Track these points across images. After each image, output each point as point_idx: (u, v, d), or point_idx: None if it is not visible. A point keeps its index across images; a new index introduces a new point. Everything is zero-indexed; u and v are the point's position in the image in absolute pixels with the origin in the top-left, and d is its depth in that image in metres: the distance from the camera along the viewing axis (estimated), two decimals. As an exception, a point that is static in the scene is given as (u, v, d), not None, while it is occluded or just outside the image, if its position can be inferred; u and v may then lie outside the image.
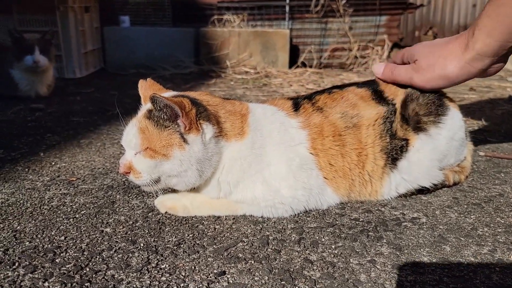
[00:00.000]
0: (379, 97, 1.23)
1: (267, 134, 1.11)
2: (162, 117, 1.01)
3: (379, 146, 1.17)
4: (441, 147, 1.22)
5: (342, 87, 1.28)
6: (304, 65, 4.04)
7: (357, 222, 1.11)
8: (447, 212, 1.17)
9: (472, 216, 1.14)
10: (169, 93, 1.12)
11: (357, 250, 0.98)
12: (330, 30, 4.17)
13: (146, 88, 1.14)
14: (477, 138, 1.75)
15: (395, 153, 1.19)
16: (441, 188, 1.30)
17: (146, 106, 1.09)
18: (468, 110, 2.37)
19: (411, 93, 1.22)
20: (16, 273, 0.87)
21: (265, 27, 4.11)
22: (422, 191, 1.26)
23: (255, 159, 1.09)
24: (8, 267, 0.89)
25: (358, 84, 1.28)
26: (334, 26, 4.16)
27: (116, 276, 0.87)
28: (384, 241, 1.02)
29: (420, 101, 1.21)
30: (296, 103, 1.21)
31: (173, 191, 1.15)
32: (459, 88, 3.08)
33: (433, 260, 0.94)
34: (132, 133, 1.03)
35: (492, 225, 1.10)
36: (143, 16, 4.10)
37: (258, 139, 1.09)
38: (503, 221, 1.11)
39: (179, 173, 1.03)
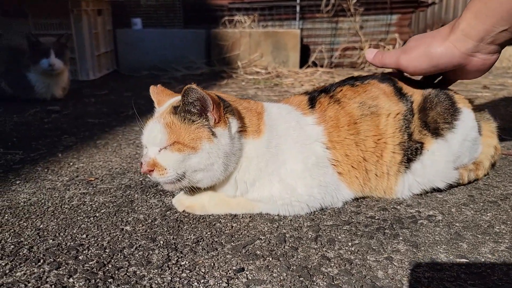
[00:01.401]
0: (400, 94, 1.23)
1: (282, 133, 1.12)
2: (191, 110, 1.02)
3: (398, 139, 1.18)
4: (454, 150, 1.23)
5: (363, 79, 1.28)
6: (315, 64, 4.05)
7: (373, 220, 1.12)
8: (463, 210, 1.17)
9: (488, 214, 1.14)
10: (175, 98, 1.13)
11: (373, 247, 0.99)
12: (341, 29, 4.17)
13: (157, 92, 1.17)
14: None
15: (410, 153, 1.19)
16: (456, 187, 1.31)
17: (162, 107, 1.11)
18: (482, 109, 2.36)
19: (429, 98, 1.23)
20: (41, 269, 0.89)
21: (275, 27, 4.13)
22: (438, 189, 1.27)
23: (271, 158, 1.10)
24: (33, 263, 0.91)
25: (378, 78, 1.28)
26: (345, 26, 4.16)
27: (138, 272, 0.89)
28: (401, 238, 1.03)
29: (438, 110, 1.22)
30: (312, 98, 1.22)
31: (191, 191, 1.17)
32: (472, 86, 3.06)
33: (450, 257, 0.94)
34: (157, 129, 1.04)
35: (509, 222, 1.10)
36: (155, 18, 4.15)
37: (274, 137, 1.11)
38: (519, 219, 1.11)
39: (206, 167, 1.04)
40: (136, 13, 4.09)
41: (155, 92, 1.17)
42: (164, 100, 1.14)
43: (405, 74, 1.29)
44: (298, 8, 4.12)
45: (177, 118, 1.03)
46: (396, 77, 1.28)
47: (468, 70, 1.16)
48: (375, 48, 1.32)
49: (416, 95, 1.23)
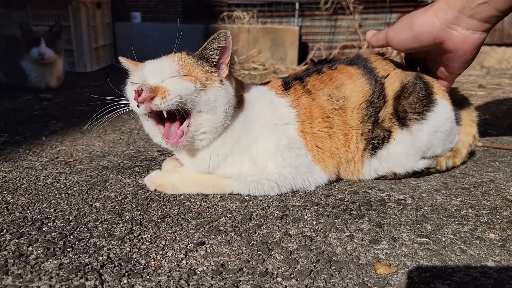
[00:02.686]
0: (370, 74, 1.23)
1: (257, 111, 1.14)
2: (209, 57, 1.07)
3: (360, 130, 1.19)
4: (423, 141, 1.23)
5: (331, 64, 1.28)
6: (313, 62, 4.05)
7: (342, 202, 1.12)
8: (434, 195, 1.17)
9: (458, 199, 1.14)
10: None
11: (337, 226, 0.99)
12: (340, 27, 4.17)
13: (129, 60, 1.23)
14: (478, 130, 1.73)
15: (376, 141, 1.20)
16: (434, 174, 1.30)
17: (151, 62, 1.12)
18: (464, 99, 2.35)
19: (406, 86, 1.22)
20: (2, 238, 0.90)
21: (274, 24, 4.13)
22: (415, 174, 1.27)
23: (243, 133, 1.11)
24: (-5, 232, 0.92)
25: (346, 61, 1.28)
26: (344, 24, 4.15)
27: (98, 243, 0.90)
28: (366, 219, 1.03)
29: (410, 100, 1.22)
30: (287, 82, 1.23)
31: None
32: (469, 85, 3.05)
33: (412, 237, 0.94)
34: (167, 62, 1.05)
35: (477, 207, 1.09)
36: (154, 12, 4.17)
37: (250, 113, 1.13)
38: (488, 204, 1.11)
39: (211, 108, 1.05)
40: (135, 7, 4.11)
41: (126, 61, 1.21)
42: (138, 64, 1.15)
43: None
44: (297, 5, 4.12)
45: (190, 59, 1.07)
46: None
47: (448, 48, 1.13)
48: (374, 30, 1.32)
49: (393, 80, 1.23)
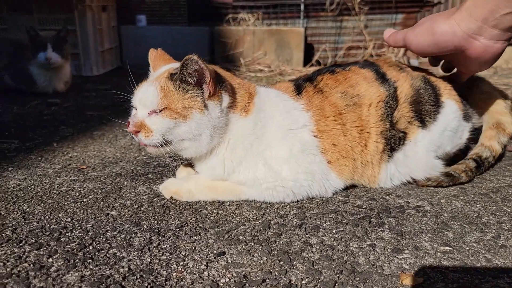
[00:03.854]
0: (382, 79, 1.23)
1: (269, 116, 1.12)
2: (187, 80, 1.03)
3: (380, 128, 1.18)
4: (435, 139, 1.23)
5: (345, 66, 1.28)
6: (318, 63, 4.04)
7: (360, 209, 1.11)
8: (452, 201, 1.16)
9: (478, 205, 1.13)
10: (172, 64, 1.14)
11: (357, 234, 0.98)
12: (345, 28, 4.15)
13: (155, 57, 1.18)
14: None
15: (393, 142, 1.19)
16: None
17: (158, 72, 1.11)
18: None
19: (419, 92, 1.22)
20: (22, 249, 0.89)
21: (280, 26, 4.12)
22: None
23: (256, 139, 1.10)
24: (15, 244, 0.91)
25: (360, 64, 1.28)
26: (350, 25, 4.14)
27: (118, 254, 0.89)
28: (386, 227, 1.02)
29: (425, 105, 1.21)
30: (298, 86, 1.22)
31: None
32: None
33: (434, 245, 0.93)
34: (150, 91, 1.04)
35: (498, 213, 1.08)
36: (159, 15, 4.16)
37: (261, 119, 1.11)
38: (509, 210, 1.10)
39: (194, 137, 1.05)
40: (140, 9, 4.11)
41: (153, 56, 1.18)
42: (160, 65, 1.15)
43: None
44: (302, 7, 4.11)
45: (172, 85, 1.04)
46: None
47: (469, 56, 1.11)
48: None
49: (402, 82, 1.22)
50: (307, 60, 3.94)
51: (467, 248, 0.91)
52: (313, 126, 1.14)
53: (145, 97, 1.05)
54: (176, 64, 1.14)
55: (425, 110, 1.21)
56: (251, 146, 1.10)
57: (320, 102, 1.17)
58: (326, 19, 4.15)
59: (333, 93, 1.18)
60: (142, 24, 3.98)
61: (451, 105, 1.25)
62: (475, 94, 1.40)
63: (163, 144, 1.06)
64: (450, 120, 1.24)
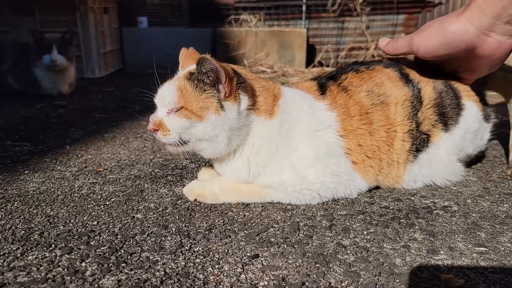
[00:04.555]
0: (406, 79, 1.22)
1: (295, 118, 1.11)
2: (204, 80, 1.02)
3: (407, 127, 1.17)
4: (457, 142, 1.23)
5: (368, 65, 1.27)
6: (321, 64, 4.04)
7: (387, 210, 1.10)
8: (478, 201, 1.15)
9: (505, 205, 1.13)
10: None
11: (389, 236, 0.97)
12: (347, 29, 4.16)
13: (186, 56, 1.17)
14: (503, 132, 1.72)
15: (418, 143, 1.18)
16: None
17: (183, 71, 1.11)
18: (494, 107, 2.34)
19: (442, 95, 1.21)
20: (53, 254, 0.88)
21: (281, 27, 4.12)
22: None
23: (282, 142, 1.09)
24: (45, 248, 0.90)
25: (384, 63, 1.27)
26: (351, 25, 4.14)
27: (151, 257, 0.87)
28: (417, 227, 1.01)
29: (447, 108, 1.21)
30: (322, 85, 1.21)
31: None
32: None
33: (469, 246, 0.92)
34: (169, 90, 1.05)
35: (526, 213, 1.08)
36: (160, 17, 4.14)
37: (286, 121, 1.09)
38: (537, 209, 1.10)
39: (210, 137, 1.04)
40: (142, 11, 4.09)
41: (184, 55, 1.18)
42: (188, 64, 1.14)
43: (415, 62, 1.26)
44: (304, 8, 4.11)
45: (190, 84, 1.04)
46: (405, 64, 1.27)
47: (481, 54, 1.10)
48: (387, 38, 1.29)
49: (425, 84, 1.22)
50: (309, 61, 3.94)
51: (502, 249, 0.91)
52: (338, 126, 1.13)
53: (164, 96, 1.05)
54: None
55: (448, 113, 1.20)
56: (277, 149, 1.09)
57: (344, 101, 1.16)
58: (328, 20, 4.15)
59: (359, 92, 1.17)
60: (143, 26, 3.96)
61: (471, 106, 1.25)
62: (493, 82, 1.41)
63: (181, 143, 1.05)
64: (471, 122, 1.24)
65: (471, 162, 1.38)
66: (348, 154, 1.13)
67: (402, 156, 1.17)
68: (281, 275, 0.82)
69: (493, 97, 2.07)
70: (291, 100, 1.13)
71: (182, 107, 1.03)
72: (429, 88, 1.21)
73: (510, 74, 1.42)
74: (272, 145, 1.09)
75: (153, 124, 1.06)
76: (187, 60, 1.15)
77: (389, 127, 1.16)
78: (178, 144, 1.05)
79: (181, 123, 1.03)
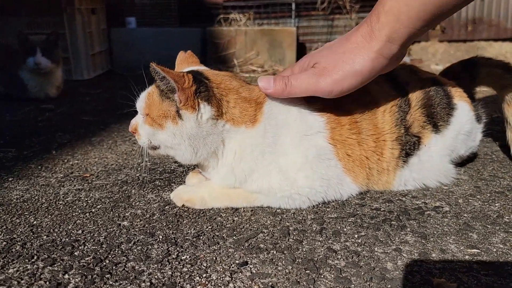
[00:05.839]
0: (393, 81, 1.20)
1: (282, 123, 1.08)
2: (163, 88, 1.01)
3: (395, 134, 1.15)
4: (449, 143, 1.21)
5: None
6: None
7: (378, 212, 1.09)
8: (470, 200, 1.14)
9: (496, 204, 1.12)
10: (192, 68, 1.11)
11: (380, 239, 0.96)
12: (337, 27, 4.15)
13: (182, 60, 1.17)
14: (493, 129, 1.72)
15: (408, 147, 1.16)
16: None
17: None
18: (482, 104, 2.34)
19: (431, 96, 1.20)
20: (35, 266, 0.85)
21: (271, 25, 4.09)
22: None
23: (268, 148, 1.06)
24: (27, 260, 0.87)
25: None
26: (341, 23, 4.13)
27: (136, 267, 0.85)
28: (408, 229, 0.99)
29: (437, 108, 1.20)
30: None
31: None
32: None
33: (461, 248, 0.91)
34: (142, 96, 1.07)
35: (517, 212, 1.07)
36: (149, 17, 4.10)
37: (272, 127, 1.06)
38: (529, 208, 1.09)
39: (173, 145, 1.04)
40: (130, 12, 4.04)
41: (180, 58, 1.17)
42: (183, 68, 1.12)
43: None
44: (293, 6, 4.09)
45: (156, 91, 1.03)
46: None
47: (391, 67, 1.07)
48: (268, 76, 1.10)
49: (414, 86, 1.20)
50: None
51: (495, 250, 0.90)
52: (327, 134, 1.10)
53: (139, 101, 1.08)
54: (194, 67, 1.11)
55: (437, 114, 1.19)
56: (262, 155, 1.06)
57: (333, 108, 1.13)
58: (318, 18, 4.14)
59: (345, 99, 1.15)
60: (132, 26, 3.92)
61: (463, 106, 1.24)
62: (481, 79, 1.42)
63: (154, 148, 1.08)
64: (464, 122, 1.23)
65: (462, 163, 1.37)
66: (339, 160, 1.11)
67: (391, 163, 1.16)
68: (270, 283, 0.80)
69: (482, 92, 2.07)
70: (280, 105, 1.10)
71: (147, 114, 1.04)
72: (417, 88, 1.20)
73: (494, 68, 1.42)
74: (256, 152, 1.06)
75: (130, 127, 1.11)
76: (182, 64, 1.13)
77: (378, 137, 1.14)
78: (152, 148, 1.08)
79: (146, 129, 1.05)
